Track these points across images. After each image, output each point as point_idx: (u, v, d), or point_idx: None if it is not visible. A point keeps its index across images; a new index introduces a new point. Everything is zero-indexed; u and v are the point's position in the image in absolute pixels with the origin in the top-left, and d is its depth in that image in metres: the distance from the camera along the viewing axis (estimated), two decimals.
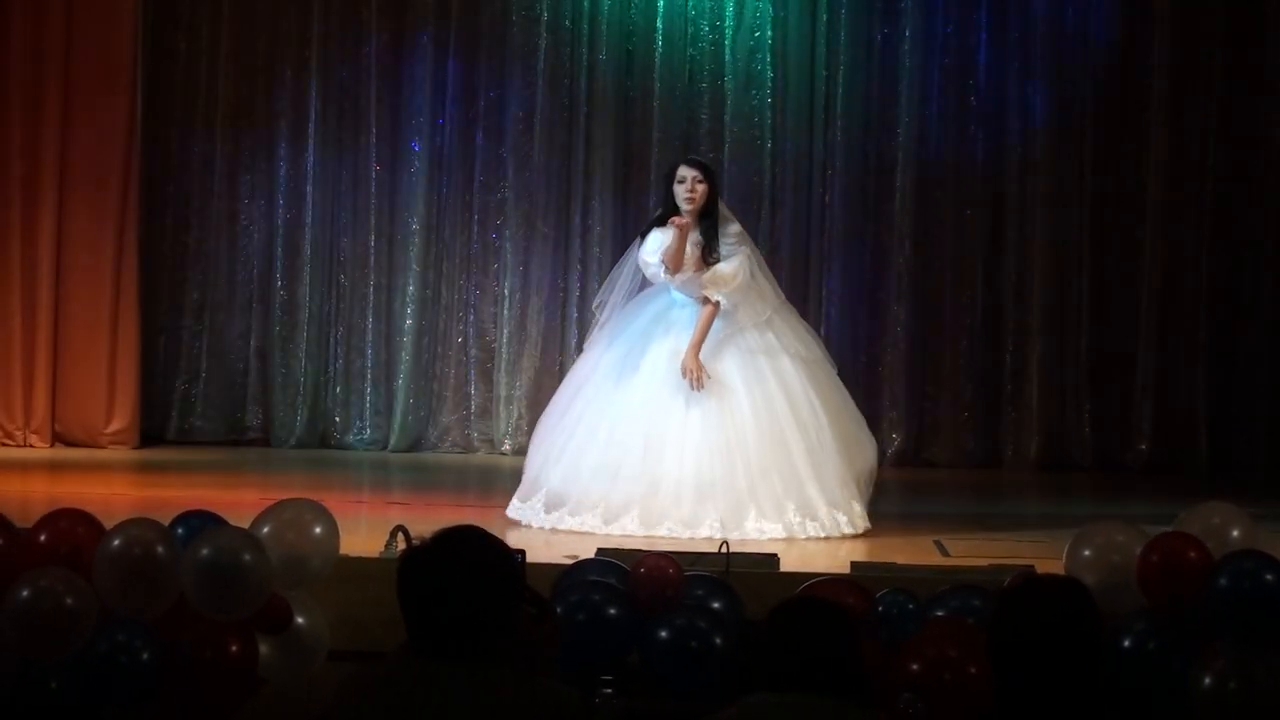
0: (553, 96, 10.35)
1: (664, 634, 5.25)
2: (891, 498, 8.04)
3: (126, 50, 10.04)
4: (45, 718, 5.01)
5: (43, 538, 5.31)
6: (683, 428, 7.18)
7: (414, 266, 10.38)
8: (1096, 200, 10.27)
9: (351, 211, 10.47)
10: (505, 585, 3.45)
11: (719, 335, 7.29)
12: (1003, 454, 10.25)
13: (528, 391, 10.20)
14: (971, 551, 6.71)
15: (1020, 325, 10.30)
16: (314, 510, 5.50)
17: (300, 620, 5.35)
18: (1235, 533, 5.31)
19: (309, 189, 10.43)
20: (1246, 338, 10.13)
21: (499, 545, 3.49)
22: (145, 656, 5.05)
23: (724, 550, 5.90)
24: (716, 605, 5.38)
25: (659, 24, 10.34)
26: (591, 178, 10.37)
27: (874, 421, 7.91)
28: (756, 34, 10.32)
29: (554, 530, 7.15)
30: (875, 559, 6.37)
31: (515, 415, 10.24)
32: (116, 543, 5.16)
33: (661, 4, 10.33)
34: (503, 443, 10.26)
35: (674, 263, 7.27)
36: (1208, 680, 4.86)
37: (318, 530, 5.42)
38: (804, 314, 8.22)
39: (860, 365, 10.07)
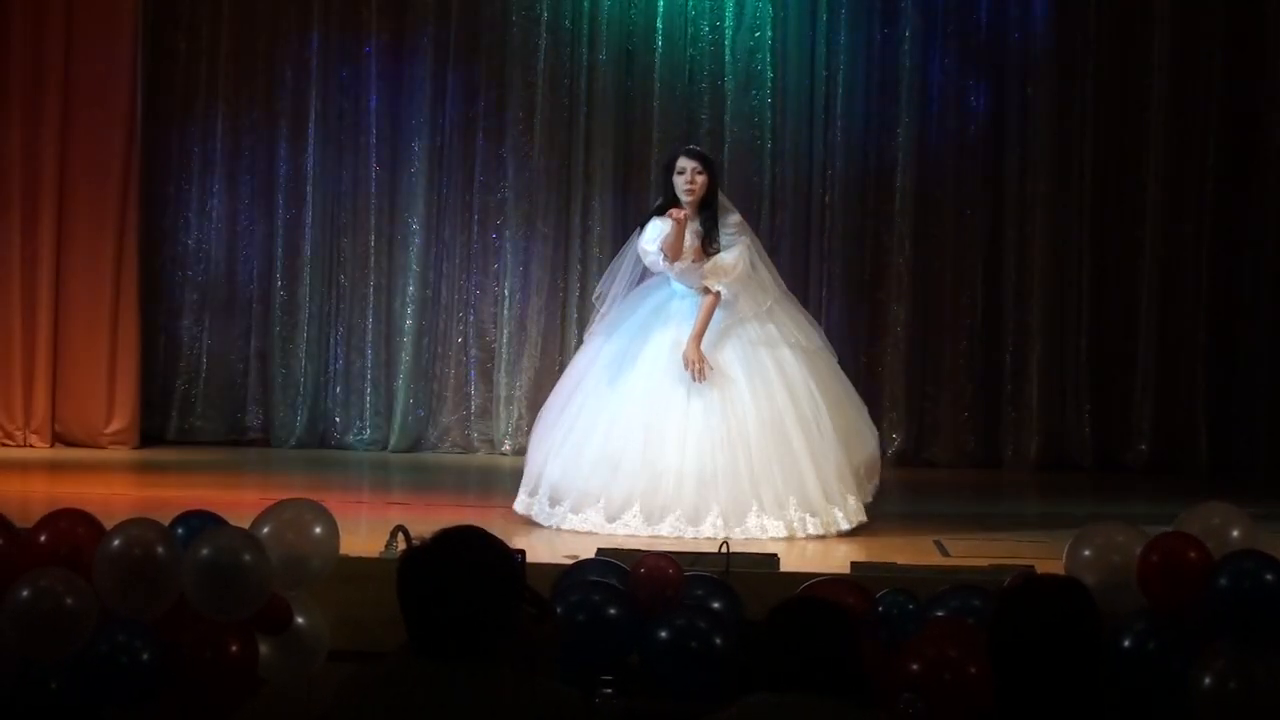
0: (553, 96, 10.35)
1: (664, 634, 5.24)
2: (891, 498, 8.04)
3: (126, 50, 10.05)
4: (45, 718, 5.01)
5: (43, 538, 5.31)
6: (684, 418, 7.17)
7: (414, 266, 10.39)
8: (1096, 200, 10.27)
9: (351, 211, 10.48)
10: (505, 585, 3.45)
11: (720, 326, 7.29)
12: (1003, 454, 10.25)
13: (528, 391, 10.19)
14: (971, 551, 6.71)
15: (1020, 325, 10.30)
16: (314, 510, 5.50)
17: (300, 620, 5.35)
18: (1235, 533, 5.31)
19: (309, 189, 10.44)
20: (1246, 338, 10.13)
21: (499, 545, 3.49)
22: (145, 657, 5.05)
23: (724, 550, 5.91)
24: (716, 605, 5.38)
25: (659, 24, 10.34)
26: (591, 178, 10.37)
27: (874, 422, 7.90)
28: (756, 34, 10.32)
29: (558, 529, 7.15)
30: (875, 559, 6.36)
31: (515, 415, 10.24)
32: (116, 543, 5.16)
33: (661, 4, 10.33)
34: (503, 443, 10.26)
35: (673, 251, 7.27)
36: (1208, 680, 4.86)
37: (318, 530, 5.42)
38: None
39: (860, 365, 10.06)
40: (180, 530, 5.42)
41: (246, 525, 5.40)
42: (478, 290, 10.45)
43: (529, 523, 7.28)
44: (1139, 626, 5.06)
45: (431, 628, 3.39)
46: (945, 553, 6.82)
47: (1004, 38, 10.33)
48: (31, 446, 9.97)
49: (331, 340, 10.50)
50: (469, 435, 10.39)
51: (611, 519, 7.10)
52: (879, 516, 7.46)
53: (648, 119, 10.35)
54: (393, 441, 10.35)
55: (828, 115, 10.34)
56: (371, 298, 10.45)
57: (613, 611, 5.28)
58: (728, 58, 10.33)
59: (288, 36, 10.44)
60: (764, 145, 10.34)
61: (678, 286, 7.41)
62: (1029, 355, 10.25)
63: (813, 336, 7.53)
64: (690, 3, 10.34)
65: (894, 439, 10.12)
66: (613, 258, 7.97)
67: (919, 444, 10.31)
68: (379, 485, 9.39)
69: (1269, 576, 4.94)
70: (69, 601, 5.00)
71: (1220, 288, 10.13)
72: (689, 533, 7.01)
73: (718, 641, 5.21)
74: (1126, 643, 5.04)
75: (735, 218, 7.46)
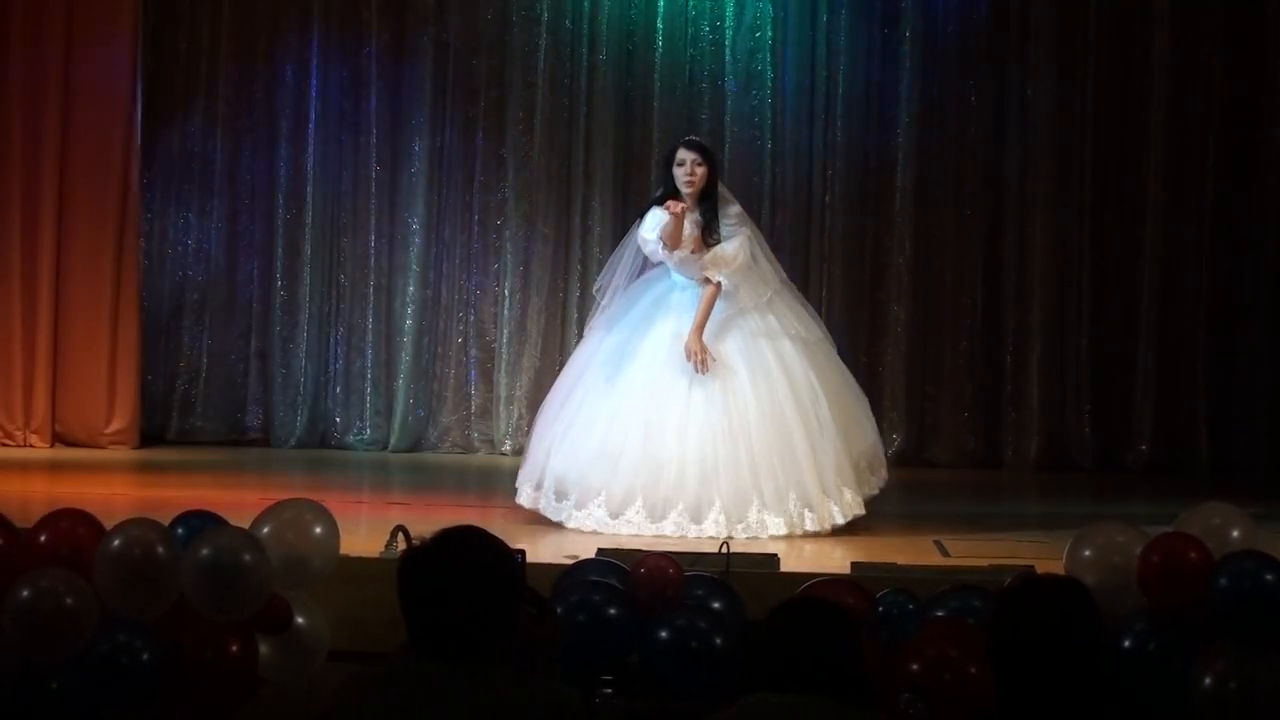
0: (553, 96, 10.35)
1: (664, 634, 5.24)
2: (891, 498, 8.03)
3: (126, 50, 10.05)
4: (46, 718, 5.00)
5: (43, 538, 5.31)
6: (685, 409, 7.18)
7: (414, 266, 10.39)
8: (1096, 200, 10.27)
9: (351, 211, 10.48)
10: (505, 585, 3.45)
11: (721, 316, 7.29)
12: (1003, 454, 10.25)
13: (528, 391, 10.19)
14: (971, 551, 6.71)
15: (1020, 325, 10.30)
16: (314, 510, 5.50)
17: (300, 620, 5.34)
18: (1235, 533, 5.31)
19: (309, 189, 10.44)
20: (1246, 338, 10.13)
21: (499, 545, 3.49)
22: (145, 657, 5.05)
23: (724, 550, 5.91)
24: (716, 605, 5.38)
25: (659, 24, 10.35)
26: (591, 178, 10.38)
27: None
28: (756, 34, 10.32)
29: (562, 526, 7.16)
30: (875, 559, 6.36)
31: (515, 415, 10.24)
32: (117, 543, 5.15)
33: (661, 4, 10.33)
34: (503, 443, 10.26)
35: (672, 240, 7.27)
36: (1208, 680, 4.85)
37: (318, 530, 5.42)
38: None
39: (860, 365, 10.04)
40: (180, 530, 5.42)
41: (246, 525, 5.40)
42: (478, 290, 10.45)
43: (533, 518, 7.28)
44: (1139, 627, 5.06)
45: (432, 628, 3.39)
46: (945, 553, 6.82)
47: (1004, 38, 10.33)
48: (31, 446, 9.97)
49: (331, 340, 10.50)
50: (469, 435, 10.39)
51: (615, 515, 7.11)
52: (879, 516, 7.46)
53: (648, 119, 10.35)
54: (393, 441, 10.35)
55: (828, 115, 10.34)
56: (371, 298, 10.45)
57: (613, 611, 5.28)
58: (728, 58, 10.33)
59: (287, 36, 10.44)
60: (764, 145, 10.34)
61: (678, 278, 7.41)
62: (1029, 355, 10.25)
63: (813, 328, 7.54)
64: (690, 3, 10.34)
65: (894, 439, 10.11)
66: None
67: (919, 444, 10.32)
68: (379, 485, 9.39)
69: (1269, 577, 4.94)
70: (69, 601, 4.99)
71: (1220, 288, 10.13)
72: (691, 531, 7.02)
73: (718, 641, 5.20)
74: (1127, 643, 5.03)
75: (736, 209, 7.47)
